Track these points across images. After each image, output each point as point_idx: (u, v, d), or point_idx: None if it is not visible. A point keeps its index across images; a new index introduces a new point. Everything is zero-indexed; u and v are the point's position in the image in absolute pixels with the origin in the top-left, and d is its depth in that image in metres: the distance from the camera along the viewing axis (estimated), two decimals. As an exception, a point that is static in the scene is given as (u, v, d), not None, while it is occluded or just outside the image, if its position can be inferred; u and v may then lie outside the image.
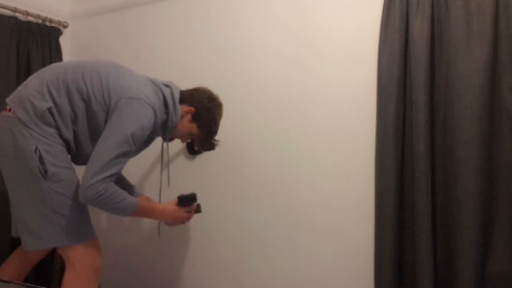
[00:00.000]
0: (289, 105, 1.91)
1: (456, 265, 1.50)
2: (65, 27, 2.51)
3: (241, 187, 2.03)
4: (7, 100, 1.56)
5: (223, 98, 1.75)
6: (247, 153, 2.01)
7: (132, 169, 1.94)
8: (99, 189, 1.42)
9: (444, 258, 1.56)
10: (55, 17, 2.44)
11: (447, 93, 1.55)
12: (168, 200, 1.75)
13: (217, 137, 1.75)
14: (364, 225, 1.72)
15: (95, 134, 1.55)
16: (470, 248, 1.47)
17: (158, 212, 1.70)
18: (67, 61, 2.45)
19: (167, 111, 1.64)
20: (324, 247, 1.83)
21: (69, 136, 1.56)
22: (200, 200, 1.78)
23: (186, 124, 1.70)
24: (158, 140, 1.77)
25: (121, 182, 1.74)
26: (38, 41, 2.30)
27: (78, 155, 1.61)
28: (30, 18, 2.29)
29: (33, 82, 1.56)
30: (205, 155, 2.05)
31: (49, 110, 1.50)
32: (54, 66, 1.68)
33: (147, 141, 1.65)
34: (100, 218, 2.39)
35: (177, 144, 2.02)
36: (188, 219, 1.78)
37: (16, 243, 1.71)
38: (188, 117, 1.69)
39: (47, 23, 2.38)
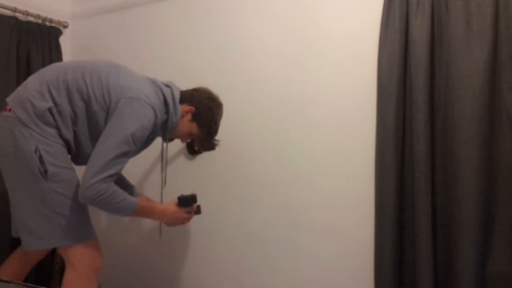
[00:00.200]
0: (289, 105, 1.91)
1: (456, 265, 1.50)
2: (65, 27, 2.51)
3: (241, 187, 2.03)
4: (7, 100, 1.56)
5: (223, 98, 1.75)
6: (247, 153, 2.01)
7: (132, 169, 1.94)
8: (99, 189, 1.42)
9: (444, 258, 1.56)
10: (55, 17, 2.44)
11: (447, 93, 1.55)
12: (168, 200, 1.75)
13: (217, 137, 1.75)
14: (364, 225, 1.72)
15: (95, 134, 1.55)
16: (470, 248, 1.47)
17: (157, 212, 1.70)
18: (67, 61, 2.45)
19: (167, 111, 1.64)
20: (324, 247, 1.83)
21: (69, 136, 1.56)
22: (200, 200, 1.78)
23: (186, 124, 1.70)
24: (158, 140, 1.78)
25: (121, 182, 1.74)
26: (38, 41, 2.30)
27: (78, 155, 1.61)
28: (30, 18, 2.29)
29: (33, 82, 1.56)
30: (205, 155, 2.05)
31: (49, 110, 1.50)
32: (54, 66, 1.68)
33: (147, 141, 1.65)
34: (100, 218, 2.39)
35: (177, 144, 2.02)
36: (188, 219, 1.78)
37: (16, 243, 1.71)
38: (188, 116, 1.69)
39: (47, 23, 2.38)
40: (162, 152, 1.85)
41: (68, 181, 1.52)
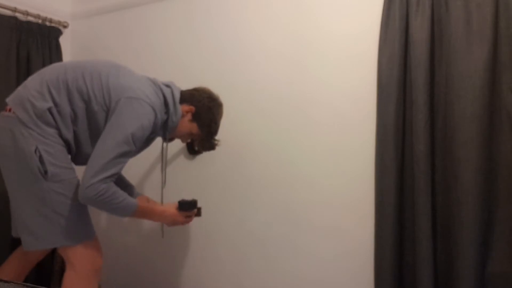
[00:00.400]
0: (289, 105, 1.91)
1: (456, 265, 1.50)
2: (65, 27, 2.51)
3: (241, 187, 2.03)
4: (7, 100, 1.56)
5: (223, 98, 1.75)
6: (247, 153, 2.01)
7: (132, 169, 1.94)
8: (99, 189, 1.42)
9: (444, 258, 1.56)
10: (55, 17, 2.44)
11: (447, 93, 1.55)
12: (168, 201, 1.75)
13: (217, 137, 1.75)
14: (364, 225, 1.72)
15: (95, 134, 1.55)
16: (470, 248, 1.47)
17: (157, 213, 1.70)
18: (67, 61, 2.45)
19: (167, 111, 1.64)
20: (324, 247, 1.83)
21: (69, 136, 1.55)
22: (200, 200, 1.78)
23: (187, 124, 1.70)
24: (158, 140, 1.77)
25: (121, 182, 1.74)
26: (38, 41, 2.30)
27: (78, 155, 1.61)
28: (30, 18, 2.29)
29: (33, 82, 1.56)
30: (205, 155, 2.05)
31: (49, 110, 1.50)
32: (54, 66, 1.68)
33: (147, 141, 1.65)
34: (100, 218, 2.39)
35: (177, 144, 2.02)
36: (187, 222, 1.78)
37: (16, 243, 1.71)
38: (189, 116, 1.69)
39: (47, 23, 2.38)
40: (162, 152, 1.85)
41: (68, 181, 1.52)
